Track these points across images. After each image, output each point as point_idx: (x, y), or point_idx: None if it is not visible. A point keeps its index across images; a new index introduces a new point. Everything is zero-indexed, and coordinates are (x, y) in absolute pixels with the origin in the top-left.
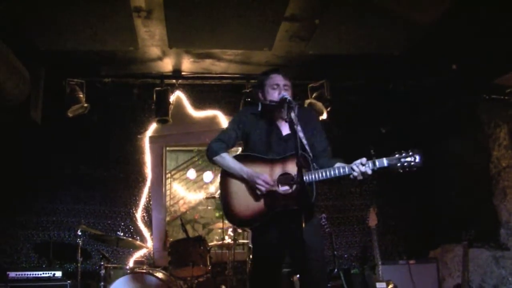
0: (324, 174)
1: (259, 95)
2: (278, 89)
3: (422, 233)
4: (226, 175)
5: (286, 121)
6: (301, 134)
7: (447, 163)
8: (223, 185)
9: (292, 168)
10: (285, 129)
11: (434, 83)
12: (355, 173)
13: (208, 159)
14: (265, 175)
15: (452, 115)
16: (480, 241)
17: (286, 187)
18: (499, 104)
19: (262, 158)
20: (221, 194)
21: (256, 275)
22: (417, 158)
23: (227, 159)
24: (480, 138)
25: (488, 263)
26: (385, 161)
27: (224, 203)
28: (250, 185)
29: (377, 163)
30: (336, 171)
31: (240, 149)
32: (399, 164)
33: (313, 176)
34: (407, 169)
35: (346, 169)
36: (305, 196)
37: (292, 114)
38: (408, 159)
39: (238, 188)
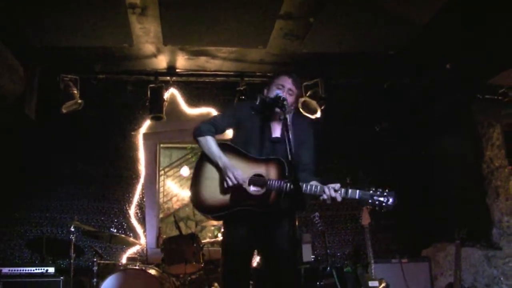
0: (295, 187)
1: (264, 92)
2: (282, 90)
3: (415, 232)
4: (204, 159)
5: (280, 120)
6: (290, 142)
7: (441, 162)
8: (198, 168)
9: (267, 172)
10: (276, 131)
11: (428, 82)
12: (325, 196)
13: (193, 137)
14: (239, 171)
15: (446, 115)
16: (472, 240)
17: (256, 188)
18: (492, 104)
19: (244, 153)
20: (193, 176)
21: (225, 269)
22: (390, 201)
23: (210, 143)
24: (474, 138)
25: (480, 262)
26: (357, 194)
27: (193, 187)
28: (223, 175)
29: (349, 193)
30: (308, 188)
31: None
32: (370, 201)
33: (284, 186)
34: (376, 208)
35: (318, 189)
36: (262, 200)
37: (288, 116)
38: (381, 198)
39: (211, 175)
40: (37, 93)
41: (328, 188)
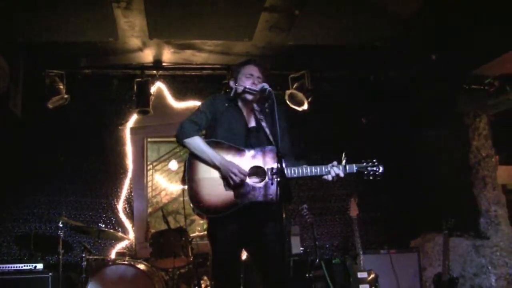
0: (297, 172)
1: (231, 83)
2: (251, 78)
3: (403, 223)
4: (194, 160)
5: (251, 110)
6: (267, 130)
7: (428, 153)
8: (191, 170)
9: (264, 161)
10: (251, 121)
11: (414, 73)
12: (329, 177)
13: (178, 139)
14: (239, 165)
15: (432, 105)
16: (460, 230)
17: (256, 180)
18: (478, 95)
19: (235, 147)
20: (188, 179)
21: (217, 267)
22: (380, 169)
23: (201, 143)
24: (460, 128)
25: (468, 252)
26: (354, 167)
27: (191, 190)
28: (223, 173)
29: (347, 168)
30: (309, 170)
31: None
32: (365, 172)
33: (289, 172)
34: (371, 178)
35: (319, 170)
36: (281, 190)
37: (275, 106)
38: (374, 168)
39: (207, 175)
40: (22, 89)
41: (331, 167)
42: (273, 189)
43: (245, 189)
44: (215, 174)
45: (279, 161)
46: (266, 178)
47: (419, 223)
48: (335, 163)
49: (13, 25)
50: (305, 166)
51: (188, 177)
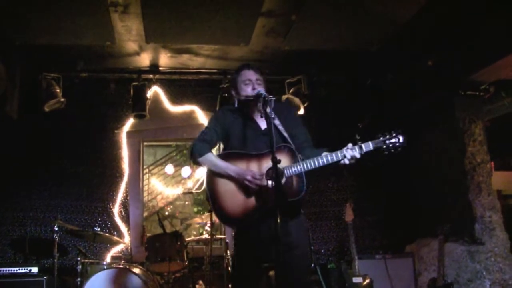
0: (312, 163)
1: (233, 93)
2: (251, 84)
3: (398, 228)
4: (212, 175)
5: (261, 116)
6: (281, 127)
7: (423, 158)
8: (211, 186)
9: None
10: (263, 124)
11: (410, 78)
12: (346, 161)
13: (192, 161)
14: (253, 170)
15: (428, 111)
16: (455, 235)
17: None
18: (474, 100)
19: (247, 154)
20: (210, 195)
21: (240, 273)
22: (401, 139)
23: (213, 158)
24: (456, 134)
25: (463, 258)
26: (370, 145)
27: (215, 204)
28: (240, 182)
29: (363, 147)
30: (325, 159)
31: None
32: (384, 146)
33: (302, 167)
34: (392, 150)
35: (334, 156)
36: (288, 190)
37: (268, 109)
38: (393, 140)
39: (227, 187)
40: (19, 92)
41: (346, 150)
42: (295, 187)
43: (266, 192)
44: (233, 184)
45: (274, 165)
46: (284, 178)
47: (414, 228)
48: (349, 145)
49: (10, 28)
50: (320, 156)
51: (210, 193)
